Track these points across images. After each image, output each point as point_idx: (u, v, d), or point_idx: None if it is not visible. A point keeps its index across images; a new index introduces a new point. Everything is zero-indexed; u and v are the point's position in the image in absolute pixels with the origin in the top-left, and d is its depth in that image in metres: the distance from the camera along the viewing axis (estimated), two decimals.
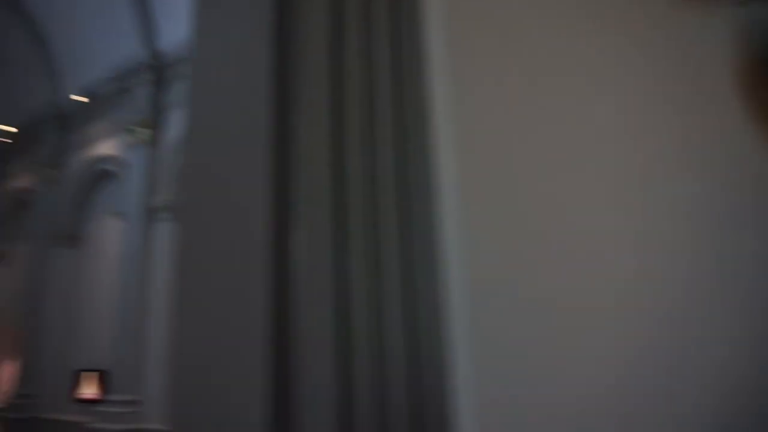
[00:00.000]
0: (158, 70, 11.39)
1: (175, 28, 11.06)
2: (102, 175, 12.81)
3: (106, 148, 12.62)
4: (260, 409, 1.05)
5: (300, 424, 1.09)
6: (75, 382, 11.65)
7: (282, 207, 1.13)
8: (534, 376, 1.20)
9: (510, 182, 1.29)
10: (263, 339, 1.06)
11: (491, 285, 1.22)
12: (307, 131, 1.20)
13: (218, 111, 1.37)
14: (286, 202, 1.14)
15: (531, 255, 1.24)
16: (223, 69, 1.40)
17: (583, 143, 1.32)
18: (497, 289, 1.21)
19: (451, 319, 1.18)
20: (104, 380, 10.97)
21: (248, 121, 1.23)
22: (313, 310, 1.11)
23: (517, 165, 1.29)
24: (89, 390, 11.31)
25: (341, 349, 1.10)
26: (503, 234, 1.27)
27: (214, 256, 1.21)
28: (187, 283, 1.28)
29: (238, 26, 1.36)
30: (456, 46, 1.33)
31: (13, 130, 14.91)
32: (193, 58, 1.50)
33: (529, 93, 1.35)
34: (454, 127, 1.27)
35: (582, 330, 1.18)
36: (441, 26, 1.30)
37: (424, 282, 1.22)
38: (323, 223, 1.14)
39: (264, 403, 1.04)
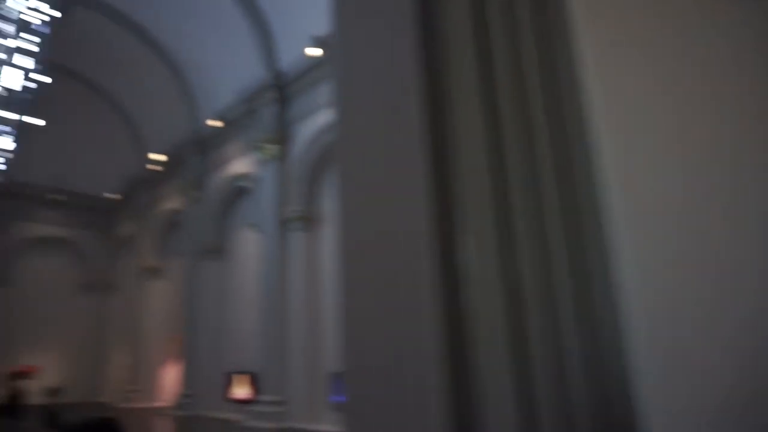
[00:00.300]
0: (280, 88, 12.04)
1: (293, 47, 11.67)
2: (238, 191, 13.88)
3: (240, 166, 13.61)
4: (439, 411, 1.02)
5: (482, 424, 1.05)
6: (228, 384, 12.67)
7: (444, 212, 1.10)
8: (713, 376, 1.17)
9: (663, 172, 1.30)
10: (436, 342, 1.04)
11: (661, 282, 1.20)
12: (462, 133, 1.16)
13: (368, 116, 1.36)
14: (449, 208, 1.11)
15: (694, 249, 1.26)
16: (368, 76, 1.40)
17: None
18: (666, 283, 1.20)
19: (629, 322, 1.11)
20: (254, 382, 11.78)
21: (400, 124, 1.21)
22: (486, 314, 1.07)
23: (667, 159, 1.33)
24: (241, 390, 12.22)
25: (517, 351, 1.05)
26: (666, 227, 1.26)
27: (378, 263, 1.20)
28: (353, 293, 1.28)
29: (380, 32, 1.35)
30: (599, 35, 1.30)
31: (163, 158, 16.62)
32: (337, 66, 1.52)
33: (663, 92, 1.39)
34: (609, 125, 1.22)
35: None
36: (586, 22, 1.27)
37: (597, 279, 1.14)
38: (488, 228, 1.10)
39: (443, 405, 1.02)
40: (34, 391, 14.11)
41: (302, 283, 11.01)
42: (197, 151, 15.06)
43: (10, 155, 8.42)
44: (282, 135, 11.94)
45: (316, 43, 10.88)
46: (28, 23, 7.03)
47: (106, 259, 20.05)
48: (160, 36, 14.44)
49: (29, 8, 6.92)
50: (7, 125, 7.01)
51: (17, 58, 7.11)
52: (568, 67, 1.23)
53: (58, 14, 7.16)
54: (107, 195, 19.69)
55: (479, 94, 1.21)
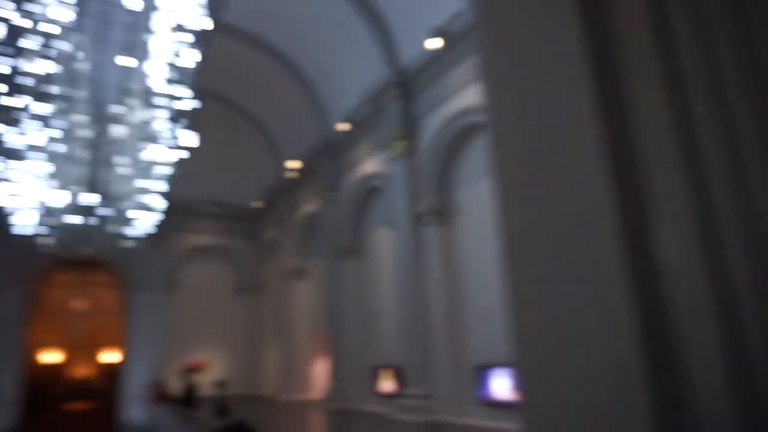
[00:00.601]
0: (404, 84, 12.13)
1: (413, 42, 11.69)
2: (371, 190, 14.25)
3: (371, 165, 13.96)
4: (644, 415, 0.90)
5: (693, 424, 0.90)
6: (374, 377, 13.06)
7: (634, 204, 0.96)
8: None
9: None
10: (634, 342, 0.91)
11: None
12: (645, 121, 0.99)
13: (530, 107, 1.23)
14: (638, 200, 0.96)
15: None
16: (527, 63, 1.27)
17: None
18: None
19: None
20: (398, 375, 12.02)
21: (568, 114, 1.07)
22: (693, 312, 0.91)
23: None
24: (386, 384, 12.53)
25: (732, 354, 0.89)
26: None
27: (554, 255, 1.09)
28: (526, 290, 1.19)
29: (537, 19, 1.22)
30: None
31: (298, 165, 17.60)
32: (487, 58, 1.40)
33: None
34: None
35: None
36: None
37: None
38: (688, 220, 0.93)
39: (647, 403, 0.89)
40: (205, 383, 15.64)
41: (440, 277, 10.99)
42: (329, 155, 15.71)
43: (173, 174, 9.37)
44: (409, 130, 12.01)
45: (436, 34, 10.78)
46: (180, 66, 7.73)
47: (255, 263, 21.75)
48: (287, 50, 15.27)
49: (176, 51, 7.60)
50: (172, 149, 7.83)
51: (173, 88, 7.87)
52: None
53: (199, 51, 7.80)
54: (252, 204, 21.32)
55: (660, 62, 1.03)
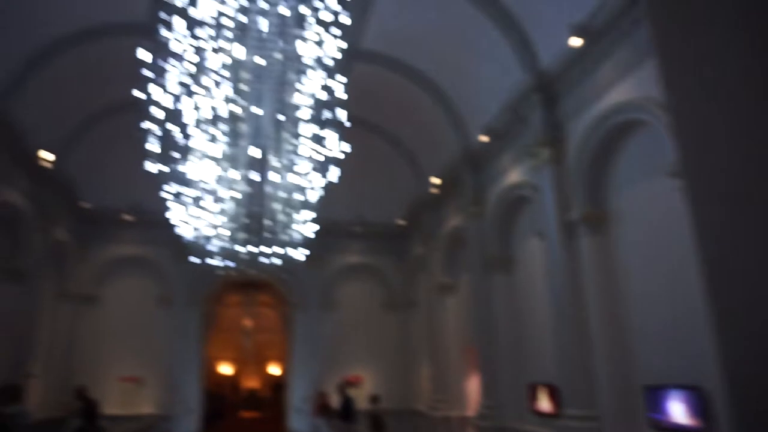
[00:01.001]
0: (545, 89, 11.64)
1: (551, 44, 11.19)
2: (517, 201, 13.81)
3: (516, 175, 13.55)
4: None
5: None
6: (530, 395, 12.48)
7: None
8: None
9: None
10: None
11: None
12: None
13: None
14: None
15: None
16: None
17: None
18: None
19: None
20: (554, 394, 11.36)
21: None
22: None
23: None
24: (543, 403, 11.90)
25: None
26: None
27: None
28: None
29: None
30: None
31: (440, 180, 17.68)
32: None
33: None
34: None
35: None
36: None
37: None
38: None
39: None
40: (360, 398, 16.16)
41: (598, 289, 10.24)
42: (472, 168, 15.56)
43: (323, 197, 9.91)
44: (555, 136, 11.46)
45: (577, 32, 10.21)
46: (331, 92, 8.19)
47: (404, 280, 22.16)
48: (420, 66, 15.48)
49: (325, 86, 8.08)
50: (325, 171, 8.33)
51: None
52: None
53: (344, 80, 8.19)
54: (397, 222, 21.83)
55: None
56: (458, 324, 17.48)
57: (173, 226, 11.44)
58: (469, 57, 13.84)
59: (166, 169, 8.19)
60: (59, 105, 15.64)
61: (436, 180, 17.89)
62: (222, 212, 11.49)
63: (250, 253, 15.19)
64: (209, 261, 13.81)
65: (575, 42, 10.30)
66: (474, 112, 14.99)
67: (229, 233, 12.89)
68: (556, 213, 11.04)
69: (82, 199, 19.23)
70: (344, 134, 8.66)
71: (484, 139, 14.57)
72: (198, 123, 7.89)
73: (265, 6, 7.22)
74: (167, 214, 10.89)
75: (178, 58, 7.27)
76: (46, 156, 15.83)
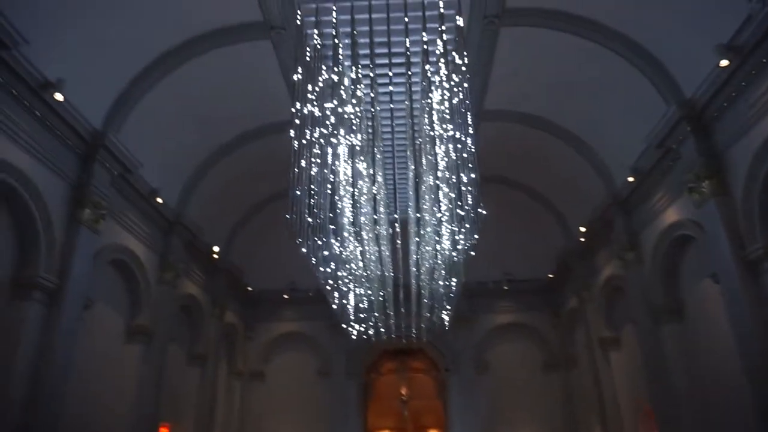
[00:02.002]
0: (694, 118, 10.68)
1: (692, 70, 10.36)
2: (679, 242, 12.54)
3: (673, 214, 12.41)
4: None
5: None
6: None
7: None
8: None
9: None
10: None
11: None
12: None
13: None
14: None
15: None
16: None
17: None
18: None
19: None
20: None
21: None
22: None
23: None
24: None
25: None
26: None
27: None
28: None
29: None
30: None
31: (588, 228, 16.71)
32: None
33: None
34: None
35: None
36: None
37: None
38: None
39: None
40: None
41: None
42: (622, 212, 14.56)
43: (467, 258, 9.83)
44: (713, 167, 10.37)
45: (724, 52, 9.35)
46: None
47: (560, 337, 20.90)
48: (552, 117, 15.12)
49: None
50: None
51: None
52: None
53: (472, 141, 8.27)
54: (547, 276, 20.90)
55: None
56: (627, 382, 15.87)
57: (326, 300, 12.04)
58: (602, 99, 13.26)
59: (316, 248, 8.70)
60: (224, 200, 17.65)
61: (583, 229, 16.97)
62: (370, 283, 11.90)
63: (399, 321, 15.42)
64: (361, 331, 14.23)
65: (723, 63, 9.45)
66: (616, 154, 14.17)
67: (378, 303, 13.26)
68: (731, 251, 9.78)
69: (246, 283, 21.10)
70: (483, 193, 8.63)
71: (631, 180, 13.66)
72: (341, 199, 8.36)
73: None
74: (320, 290, 11.48)
75: (319, 139, 7.85)
76: (216, 248, 17.79)
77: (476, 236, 8.62)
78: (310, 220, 7.65)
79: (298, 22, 7.72)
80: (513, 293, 21.47)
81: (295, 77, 7.53)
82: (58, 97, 9.74)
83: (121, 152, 11.63)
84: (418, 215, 9.07)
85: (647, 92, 11.72)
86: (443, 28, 7.22)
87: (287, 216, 7.85)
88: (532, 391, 20.60)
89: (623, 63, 11.78)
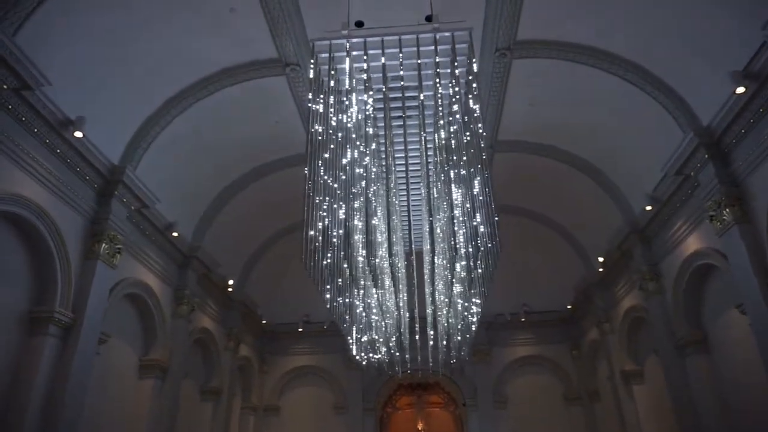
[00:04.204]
0: (712, 145, 10.56)
1: (709, 97, 10.27)
2: (702, 271, 12.23)
3: (694, 243, 12.15)
4: None
5: None
6: None
7: None
8: None
9: None
10: None
11: None
12: None
13: None
14: None
15: None
16: None
17: None
18: None
19: None
20: None
21: None
22: None
23: None
24: None
25: None
26: None
27: None
28: None
29: None
30: None
31: (606, 259, 16.41)
32: None
33: None
34: None
35: None
36: None
37: None
38: None
39: None
40: None
41: None
42: (641, 242, 14.31)
43: (487, 290, 9.65)
44: (734, 193, 10.20)
45: (741, 79, 9.29)
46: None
47: (581, 370, 20.35)
48: (570, 148, 15.05)
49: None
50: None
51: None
52: None
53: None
54: (566, 307, 20.50)
55: None
56: (653, 416, 15.31)
57: (342, 334, 11.87)
58: (618, 128, 13.18)
59: (332, 292, 8.57)
60: (239, 233, 17.70)
61: (602, 258, 16.67)
62: (386, 317, 11.73)
63: (414, 354, 15.12)
64: (377, 365, 13.96)
65: (740, 90, 9.36)
66: (634, 183, 14.01)
67: (394, 337, 13.04)
68: (759, 280, 9.50)
69: (261, 316, 20.96)
70: (499, 225, 8.49)
71: (649, 209, 13.46)
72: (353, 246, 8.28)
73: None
74: (335, 323, 11.33)
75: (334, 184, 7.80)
76: (231, 281, 17.75)
77: (492, 265, 8.45)
78: (326, 262, 7.44)
79: (312, 64, 7.69)
80: (531, 325, 21.06)
81: (309, 133, 7.38)
82: (78, 134, 9.92)
83: (138, 188, 11.76)
84: (434, 256, 8.93)
85: (663, 120, 11.65)
86: (456, 72, 7.22)
87: (303, 259, 7.64)
88: (554, 426, 19.98)
89: (638, 92, 11.74)
